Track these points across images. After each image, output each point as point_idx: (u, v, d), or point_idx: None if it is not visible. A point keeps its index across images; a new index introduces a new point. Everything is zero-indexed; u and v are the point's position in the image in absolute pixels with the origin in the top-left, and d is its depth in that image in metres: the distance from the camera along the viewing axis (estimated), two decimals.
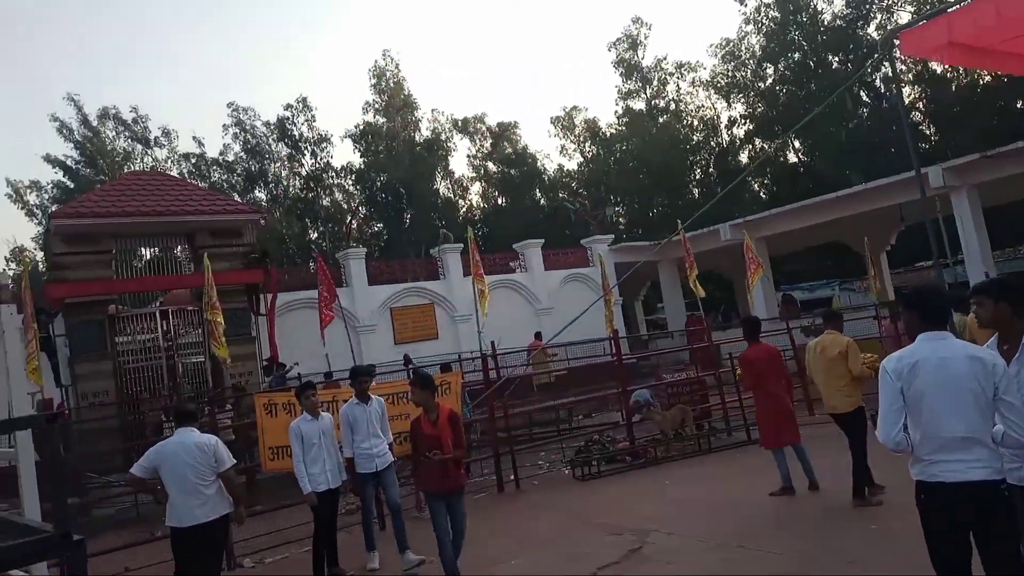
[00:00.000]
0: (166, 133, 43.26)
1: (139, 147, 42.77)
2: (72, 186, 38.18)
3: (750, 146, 42.88)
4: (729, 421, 12.29)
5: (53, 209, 28.31)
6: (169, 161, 42.33)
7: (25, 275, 14.82)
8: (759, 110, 41.31)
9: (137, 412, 16.09)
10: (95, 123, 41.61)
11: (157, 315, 16.90)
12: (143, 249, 17.84)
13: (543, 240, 26.02)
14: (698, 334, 19.26)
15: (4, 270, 39.69)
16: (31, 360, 11.73)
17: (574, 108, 48.22)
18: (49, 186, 40.07)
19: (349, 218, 45.38)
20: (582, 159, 47.71)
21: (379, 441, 7.42)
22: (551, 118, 53.78)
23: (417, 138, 45.63)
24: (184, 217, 16.68)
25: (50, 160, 40.29)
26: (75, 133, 40.87)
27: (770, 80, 40.95)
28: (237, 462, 6.85)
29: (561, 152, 49.89)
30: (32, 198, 39.92)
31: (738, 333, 18.99)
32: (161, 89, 66.62)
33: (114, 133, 42.45)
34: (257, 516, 8.83)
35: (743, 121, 42.75)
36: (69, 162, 40.34)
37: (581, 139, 48.02)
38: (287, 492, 8.72)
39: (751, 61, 41.54)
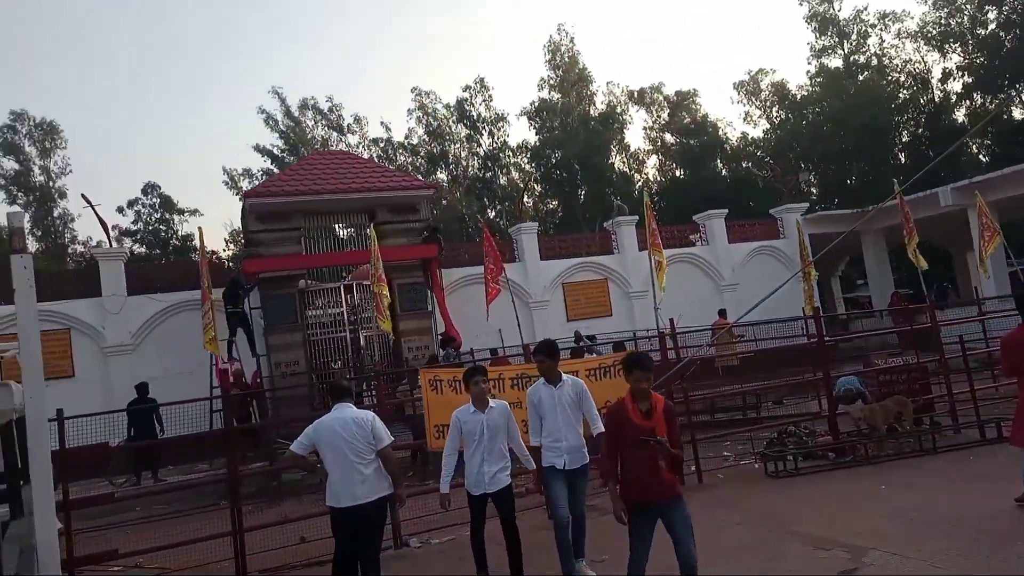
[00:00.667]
0: (357, 120, 45.56)
1: (334, 134, 45.30)
2: (278, 172, 41.09)
3: (968, 102, 37.82)
4: (957, 416, 10.44)
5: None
6: (360, 146, 44.45)
7: (202, 246, 15.59)
8: (978, 60, 36.25)
9: (325, 381, 16.73)
10: (296, 113, 44.60)
11: (342, 289, 17.37)
12: (329, 226, 18.42)
13: (726, 211, 24.09)
14: (910, 313, 16.92)
15: (222, 249, 43.63)
16: (207, 330, 12.43)
17: (760, 71, 44.94)
18: (259, 173, 43.30)
19: (524, 196, 45.34)
20: (768, 125, 44.40)
21: (572, 432, 6.00)
22: (734, 84, 50.68)
23: (592, 112, 44.65)
24: (365, 193, 16.96)
25: (259, 149, 43.65)
26: (279, 124, 44.02)
27: (992, 26, 35.79)
28: (394, 439, 6.42)
29: (745, 119, 46.92)
30: (245, 184, 43.32)
31: (959, 314, 16.48)
32: (353, 78, 70.40)
33: (313, 122, 45.25)
34: (426, 494, 8.46)
35: (959, 74, 37.74)
36: (275, 151, 43.45)
37: (768, 104, 44.67)
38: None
39: (968, 6, 36.50)
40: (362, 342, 17.37)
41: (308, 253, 17.31)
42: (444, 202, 41.33)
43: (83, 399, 15.62)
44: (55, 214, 43.51)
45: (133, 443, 13.46)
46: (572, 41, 45.74)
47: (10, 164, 42.26)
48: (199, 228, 13.75)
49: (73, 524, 7.41)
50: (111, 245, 16.81)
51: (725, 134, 45.52)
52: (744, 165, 43.14)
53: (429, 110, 45.22)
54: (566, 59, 45.25)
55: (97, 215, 18.01)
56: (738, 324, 13.76)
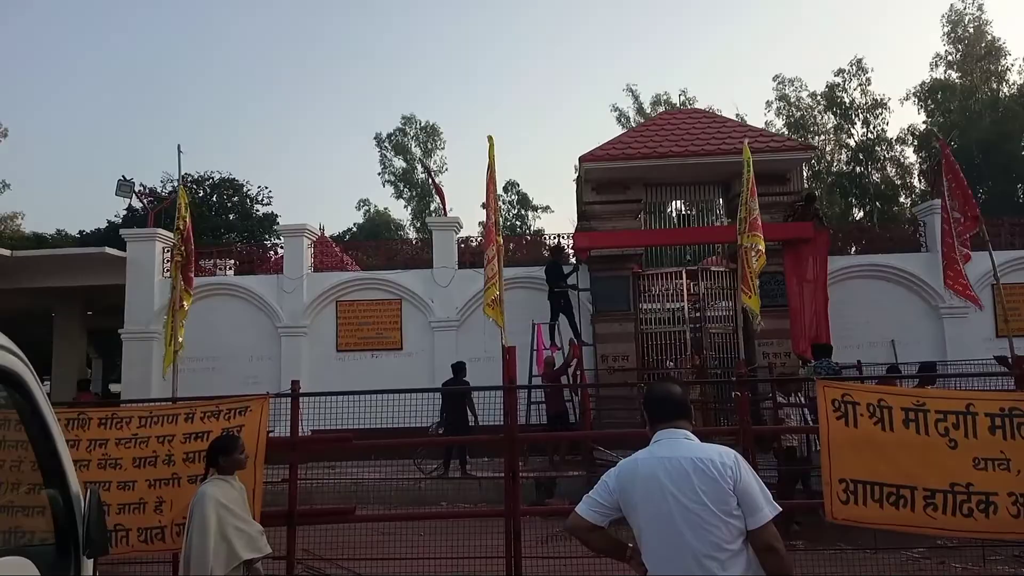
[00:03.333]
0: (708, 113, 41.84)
1: None
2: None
3: None
4: None
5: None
6: None
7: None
8: None
9: (645, 385, 13.69)
10: (648, 110, 42.39)
11: (684, 275, 14.13)
12: (673, 202, 15.21)
13: None
14: None
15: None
16: (490, 289, 7.01)
17: None
18: None
19: (902, 190, 37.53)
20: None
21: None
22: None
23: (1004, 91, 35.39)
24: (720, 158, 13.45)
25: None
26: (631, 121, 42.22)
27: None
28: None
29: None
30: None
31: None
32: (709, 71, 66.57)
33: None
34: None
35: None
36: None
37: None
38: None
39: None
40: (704, 341, 13.93)
41: (648, 229, 14.38)
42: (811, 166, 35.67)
43: (410, 373, 14.64)
44: (431, 207, 47.11)
45: (446, 429, 11.78)
46: (980, 9, 36.84)
47: (399, 163, 46.63)
48: (489, 137, 8.07)
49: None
50: (445, 214, 15.63)
51: None
52: None
53: (792, 99, 39.81)
54: (970, 31, 36.60)
55: (433, 181, 17.28)
56: None
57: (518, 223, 45.86)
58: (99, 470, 5.12)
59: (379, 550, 5.74)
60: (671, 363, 13.94)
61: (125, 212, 27.09)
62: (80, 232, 31.94)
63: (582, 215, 14.69)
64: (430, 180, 16.20)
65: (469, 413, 11.65)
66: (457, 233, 15.66)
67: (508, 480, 5.05)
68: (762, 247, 8.75)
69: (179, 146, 7.08)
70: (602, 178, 13.87)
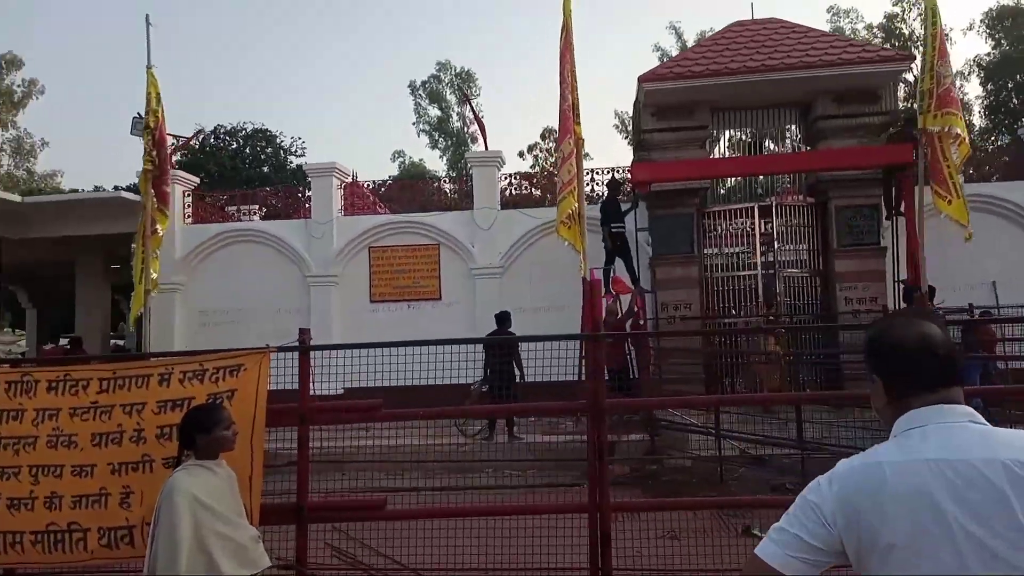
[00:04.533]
0: None
1: None
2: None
3: None
4: None
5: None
6: None
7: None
8: None
9: (720, 332, 12.11)
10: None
11: (755, 212, 12.42)
12: (744, 128, 13.36)
13: None
14: None
15: None
16: (563, 203, 5.29)
17: None
18: None
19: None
20: None
21: None
22: None
23: None
24: (800, 72, 11.56)
25: None
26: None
27: None
28: None
29: None
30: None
31: None
32: (758, 5, 62.79)
33: None
34: None
35: None
36: None
37: None
38: None
39: None
40: (777, 286, 12.28)
41: (718, 158, 12.66)
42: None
43: (449, 325, 13.24)
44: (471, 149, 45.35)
45: (490, 386, 10.43)
46: None
47: (434, 112, 44.86)
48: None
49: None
50: (486, 148, 14.03)
51: None
52: None
53: (847, 32, 36.93)
54: None
55: (473, 112, 15.65)
56: None
57: (555, 172, 43.88)
58: (49, 450, 3.79)
59: (417, 546, 4.35)
60: (735, 311, 12.37)
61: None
62: (115, 187, 31.06)
63: (640, 145, 12.96)
64: (470, 110, 14.71)
65: (515, 368, 10.25)
66: (500, 169, 14.06)
67: (593, 465, 3.60)
68: (962, 130, 6.35)
69: (147, 16, 5.42)
70: (664, 101, 12.10)
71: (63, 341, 16.83)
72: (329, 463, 5.49)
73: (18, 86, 35.70)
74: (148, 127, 4.37)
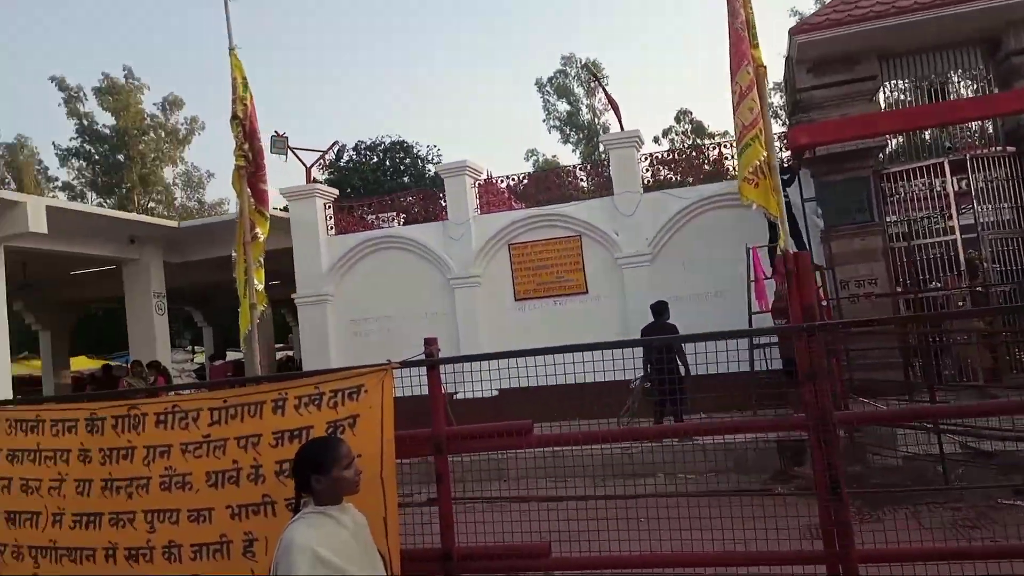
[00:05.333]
0: None
1: None
2: None
3: None
4: None
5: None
6: None
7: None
8: None
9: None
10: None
11: (946, 169, 10.58)
12: (919, 75, 11.47)
13: None
14: None
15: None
16: (748, 154, 3.76)
17: None
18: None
19: None
20: None
21: None
22: None
23: None
24: (984, 2, 9.72)
25: None
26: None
27: None
28: None
29: None
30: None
31: None
32: None
33: None
34: None
35: None
36: None
37: None
38: None
39: None
40: (983, 252, 10.38)
41: (894, 110, 10.94)
42: None
43: (598, 319, 12.37)
44: (600, 149, 44.22)
45: (650, 382, 9.49)
46: None
47: (563, 107, 44.18)
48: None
49: None
50: (622, 129, 12.99)
51: None
52: None
53: None
54: None
55: (607, 94, 14.56)
56: None
57: (693, 154, 41.79)
58: (163, 492, 3.31)
59: None
60: (937, 283, 10.57)
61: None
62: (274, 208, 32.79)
63: (797, 106, 11.44)
64: (600, 91, 13.78)
65: (680, 364, 9.18)
66: (639, 150, 12.98)
67: (825, 501, 2.58)
68: None
69: None
70: (822, 54, 10.55)
71: (227, 358, 17.56)
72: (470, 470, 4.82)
73: (182, 124, 38.62)
74: (236, 116, 3.80)
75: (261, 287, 4.03)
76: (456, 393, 11.83)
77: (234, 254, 4.00)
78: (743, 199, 3.50)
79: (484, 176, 14.15)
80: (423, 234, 13.65)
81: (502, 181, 14.31)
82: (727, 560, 3.00)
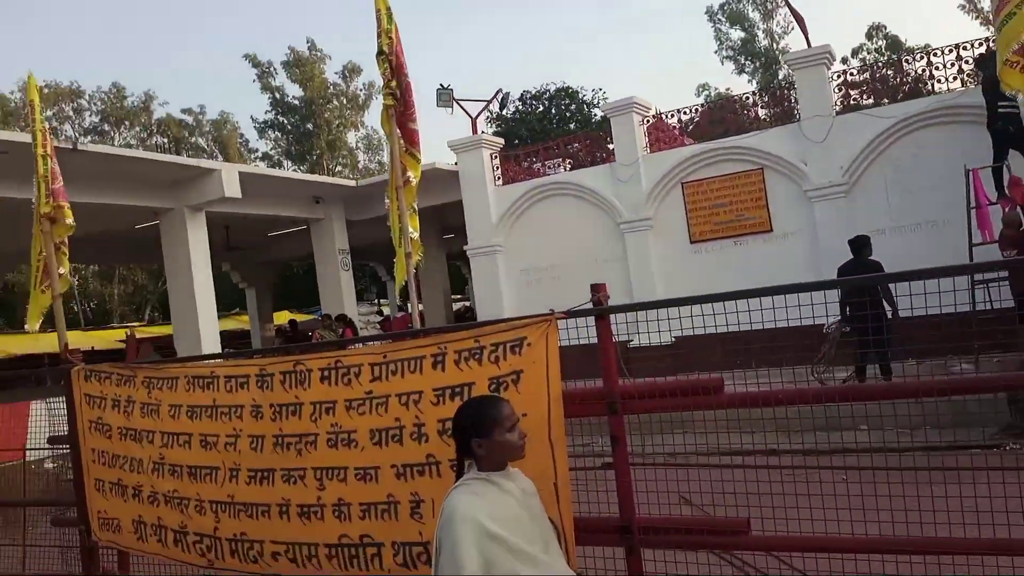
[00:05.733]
0: None
1: None
2: None
3: None
4: None
5: None
6: None
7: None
8: None
9: None
10: None
11: None
12: None
13: None
14: None
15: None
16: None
17: None
18: None
19: None
20: None
21: None
22: None
23: None
24: None
25: None
26: None
27: None
28: None
29: None
30: None
31: None
32: None
33: None
34: None
35: None
36: None
37: None
38: None
39: None
40: None
41: None
42: None
43: (785, 261, 11.31)
44: (779, 76, 40.86)
45: (850, 326, 8.50)
46: None
47: (736, 34, 41.25)
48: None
49: None
50: (808, 46, 11.53)
51: None
52: None
53: None
54: None
55: (790, 7, 12.98)
56: None
57: (889, 72, 37.24)
58: (330, 449, 3.20)
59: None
60: None
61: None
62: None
63: None
64: (785, 6, 12.36)
65: (886, 304, 8.07)
66: (829, 67, 11.52)
67: None
68: None
69: None
70: None
71: (399, 313, 18.25)
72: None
73: (361, 90, 40.44)
74: (382, 52, 3.49)
75: (416, 235, 3.80)
76: (630, 341, 11.38)
77: (387, 202, 3.77)
78: (1005, 87, 2.69)
79: (652, 113, 13.31)
80: (590, 178, 13.14)
81: (672, 116, 13.39)
82: (979, 547, 2.37)
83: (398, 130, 3.56)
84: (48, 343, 17.62)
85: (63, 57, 60.69)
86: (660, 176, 12.37)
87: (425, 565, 3.02)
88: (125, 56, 58.99)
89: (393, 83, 3.52)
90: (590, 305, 2.78)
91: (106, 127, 38.21)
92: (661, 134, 13.04)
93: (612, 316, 2.81)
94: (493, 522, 2.30)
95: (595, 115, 31.45)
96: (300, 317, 24.70)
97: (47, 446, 4.36)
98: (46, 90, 35.70)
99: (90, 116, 38.33)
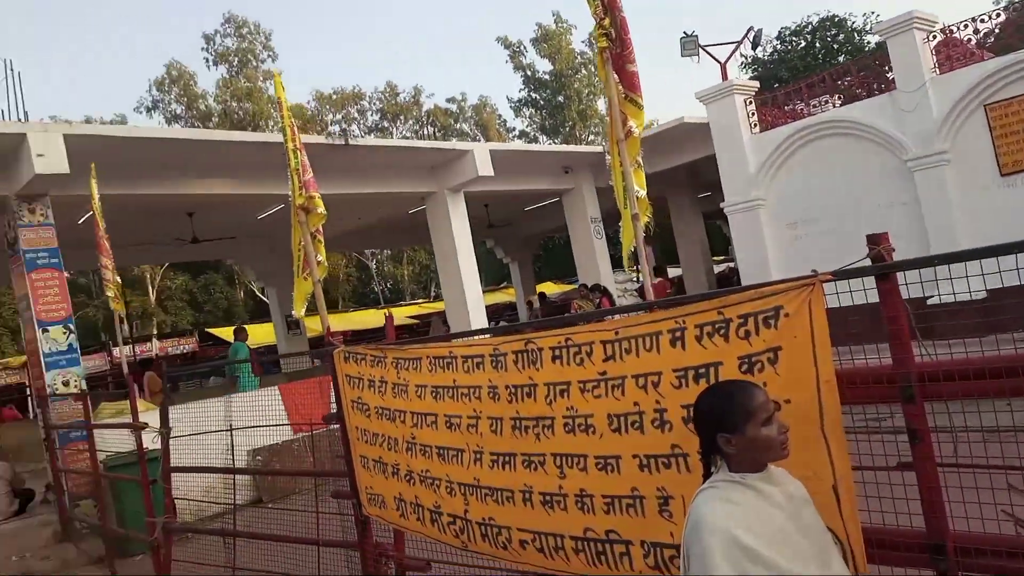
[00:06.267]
0: None
1: None
2: None
3: None
4: None
5: None
6: None
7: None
8: None
9: None
10: None
11: None
12: None
13: None
14: None
15: None
16: None
17: None
18: None
19: None
20: None
21: None
22: None
23: None
24: None
25: None
26: None
27: None
28: None
29: None
30: None
31: None
32: None
33: None
34: None
35: None
36: None
37: None
38: None
39: None
40: None
41: None
42: None
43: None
44: None
45: None
46: None
47: None
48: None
49: None
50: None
51: None
52: None
53: None
54: None
55: None
56: None
57: None
58: (567, 435, 2.93)
59: None
60: None
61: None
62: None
63: None
64: None
65: None
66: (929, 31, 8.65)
67: None
68: None
69: None
70: None
71: (668, 275, 17.62)
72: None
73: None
74: None
75: (643, 193, 3.35)
76: (930, 297, 9.72)
77: (607, 157, 3.39)
78: None
79: (939, 27, 11.14)
80: (866, 112, 11.39)
81: (965, 27, 11.08)
82: None
83: (615, 75, 3.13)
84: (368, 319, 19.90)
85: (339, 59, 68.59)
86: (955, 100, 10.33)
87: (679, 571, 2.65)
88: (391, 55, 65.05)
89: (606, 21, 3.09)
90: (868, 262, 2.16)
91: (384, 124, 42.35)
92: (952, 51, 10.88)
93: (901, 273, 2.17)
94: (750, 535, 1.87)
95: (868, 43, 27.68)
96: (560, 288, 25.26)
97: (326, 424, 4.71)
98: (334, 96, 40.46)
99: (371, 115, 42.73)
